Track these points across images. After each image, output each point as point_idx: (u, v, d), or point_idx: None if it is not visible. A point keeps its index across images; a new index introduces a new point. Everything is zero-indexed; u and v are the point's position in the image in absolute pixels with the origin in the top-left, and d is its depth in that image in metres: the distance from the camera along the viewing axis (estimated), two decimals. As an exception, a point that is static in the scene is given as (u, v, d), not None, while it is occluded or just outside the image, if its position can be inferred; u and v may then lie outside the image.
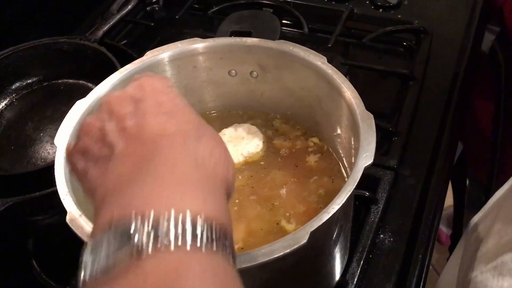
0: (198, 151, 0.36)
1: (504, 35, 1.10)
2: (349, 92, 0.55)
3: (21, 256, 0.68)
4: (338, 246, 0.56)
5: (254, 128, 0.66)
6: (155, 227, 0.31)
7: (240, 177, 0.62)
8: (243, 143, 0.65)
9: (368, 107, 0.54)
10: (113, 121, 0.38)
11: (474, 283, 0.67)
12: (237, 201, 0.60)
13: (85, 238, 0.44)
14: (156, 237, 0.31)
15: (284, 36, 0.70)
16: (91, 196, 0.37)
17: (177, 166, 0.35)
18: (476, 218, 0.82)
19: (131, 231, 0.31)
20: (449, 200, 1.54)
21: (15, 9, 0.96)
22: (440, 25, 1.01)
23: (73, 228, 0.45)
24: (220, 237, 0.33)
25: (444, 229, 1.70)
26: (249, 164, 0.64)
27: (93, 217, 0.35)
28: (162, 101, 0.39)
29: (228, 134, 0.66)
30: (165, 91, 0.40)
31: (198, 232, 0.32)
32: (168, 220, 0.31)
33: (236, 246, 0.54)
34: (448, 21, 1.04)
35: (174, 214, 0.32)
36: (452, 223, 1.59)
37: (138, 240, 0.31)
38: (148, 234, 0.31)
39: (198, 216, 0.32)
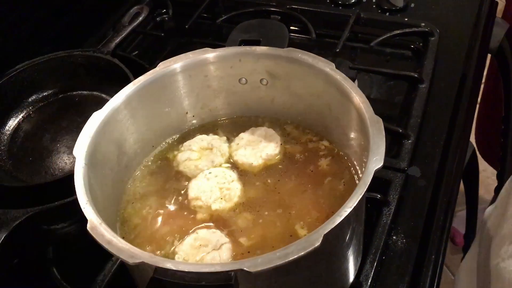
0: None
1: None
2: (358, 97, 0.56)
3: (41, 264, 0.70)
4: (351, 248, 0.57)
5: (271, 131, 0.68)
6: None
7: (269, 180, 0.63)
8: (261, 145, 0.65)
9: (377, 110, 0.55)
10: None
11: (496, 270, 0.66)
12: (266, 213, 0.60)
13: (105, 245, 0.46)
14: None
15: (292, 42, 0.71)
16: None
17: None
18: (490, 208, 0.81)
19: None
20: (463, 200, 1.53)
21: (29, 24, 0.98)
22: (447, 26, 1.02)
23: (94, 235, 0.47)
24: None
25: (459, 230, 1.69)
26: (269, 167, 0.65)
27: None
28: None
29: (245, 138, 0.67)
30: None
31: None
32: None
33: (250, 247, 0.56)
34: (455, 22, 1.04)
35: None
36: (465, 224, 1.58)
37: None
38: None
39: None
